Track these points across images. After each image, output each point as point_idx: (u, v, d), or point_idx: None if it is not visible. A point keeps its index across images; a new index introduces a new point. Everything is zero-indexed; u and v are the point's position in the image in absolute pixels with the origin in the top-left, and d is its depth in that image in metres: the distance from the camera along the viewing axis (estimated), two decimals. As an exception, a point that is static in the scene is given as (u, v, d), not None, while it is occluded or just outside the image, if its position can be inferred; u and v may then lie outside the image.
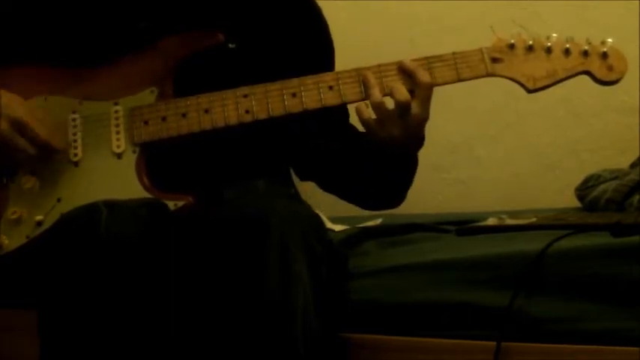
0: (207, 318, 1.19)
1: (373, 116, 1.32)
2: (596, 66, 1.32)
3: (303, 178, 1.59)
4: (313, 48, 1.51)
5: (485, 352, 1.24)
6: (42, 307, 1.19)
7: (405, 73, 1.32)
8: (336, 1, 2.28)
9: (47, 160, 1.36)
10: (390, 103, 1.32)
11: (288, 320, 1.15)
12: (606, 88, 1.34)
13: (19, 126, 1.31)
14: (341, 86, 1.33)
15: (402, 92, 1.30)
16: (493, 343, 1.24)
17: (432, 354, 1.31)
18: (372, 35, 2.44)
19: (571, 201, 2.00)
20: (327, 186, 1.53)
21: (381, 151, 1.35)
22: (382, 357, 1.34)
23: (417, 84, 1.30)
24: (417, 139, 1.37)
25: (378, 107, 1.30)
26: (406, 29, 2.43)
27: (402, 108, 1.30)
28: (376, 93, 1.30)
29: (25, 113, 1.31)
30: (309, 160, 1.52)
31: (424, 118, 1.32)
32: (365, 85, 1.32)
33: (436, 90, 1.35)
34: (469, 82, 1.35)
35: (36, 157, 1.34)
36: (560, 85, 1.35)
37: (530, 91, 1.33)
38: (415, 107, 1.30)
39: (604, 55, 1.31)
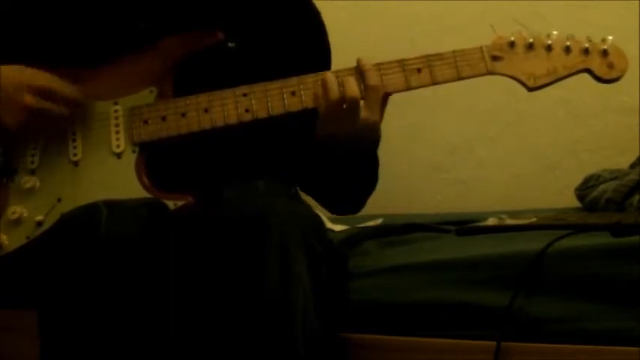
0: (207, 318, 1.19)
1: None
2: (596, 64, 1.31)
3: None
4: (312, 47, 1.51)
5: (485, 352, 1.24)
6: (42, 307, 1.19)
7: (359, 73, 1.31)
8: (336, 1, 2.28)
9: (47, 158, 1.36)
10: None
11: (288, 320, 1.15)
12: (606, 88, 1.34)
13: (45, 94, 1.32)
14: None
15: (352, 88, 1.29)
16: (493, 343, 1.24)
17: (432, 354, 1.31)
18: (372, 35, 2.45)
19: (571, 201, 2.00)
20: (301, 186, 1.53)
21: (332, 150, 1.35)
22: (382, 357, 1.34)
23: (365, 86, 1.30)
24: (368, 141, 1.36)
25: (336, 103, 1.29)
26: (406, 29, 2.43)
27: (350, 103, 1.29)
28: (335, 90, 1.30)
29: (45, 79, 1.32)
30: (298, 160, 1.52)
31: (374, 121, 1.31)
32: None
33: (436, 90, 1.35)
34: (469, 82, 1.35)
35: (70, 117, 1.35)
36: (560, 85, 1.34)
37: (530, 89, 1.33)
38: (363, 109, 1.30)
39: (604, 53, 1.31)
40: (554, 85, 1.34)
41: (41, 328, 1.18)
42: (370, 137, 1.35)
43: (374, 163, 1.42)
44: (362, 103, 1.30)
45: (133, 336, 1.14)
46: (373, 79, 1.30)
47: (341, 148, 1.34)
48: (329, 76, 1.31)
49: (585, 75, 1.33)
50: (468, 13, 2.34)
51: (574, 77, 1.34)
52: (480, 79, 1.35)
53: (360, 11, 2.49)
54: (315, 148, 1.38)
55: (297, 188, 1.56)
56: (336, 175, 1.40)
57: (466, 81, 1.34)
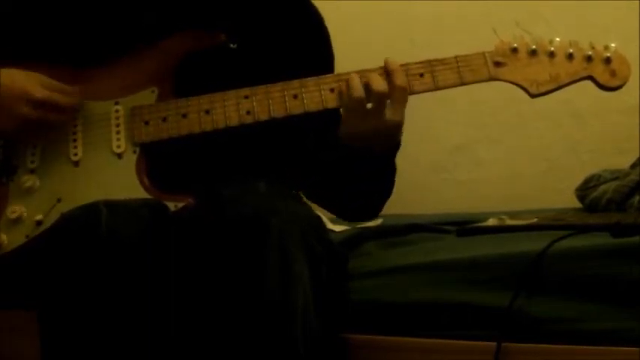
0: (208, 318, 1.19)
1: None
2: (599, 71, 1.31)
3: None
4: (313, 50, 1.51)
5: (486, 353, 1.24)
6: (42, 307, 1.19)
7: (386, 72, 1.31)
8: (336, 1, 2.28)
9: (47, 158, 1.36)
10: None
11: (288, 320, 1.15)
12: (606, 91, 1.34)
13: (43, 105, 1.32)
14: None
15: (379, 82, 1.29)
16: (493, 344, 1.24)
17: (432, 354, 1.31)
18: (372, 35, 2.45)
19: (571, 201, 2.00)
20: (308, 195, 1.52)
21: (354, 154, 1.34)
22: (382, 357, 1.34)
23: (393, 86, 1.30)
24: (391, 143, 1.36)
25: (360, 101, 1.30)
26: (406, 29, 2.43)
27: (378, 100, 1.29)
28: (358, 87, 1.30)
29: (43, 90, 1.32)
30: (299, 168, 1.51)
31: (398, 122, 1.31)
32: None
33: (438, 91, 1.35)
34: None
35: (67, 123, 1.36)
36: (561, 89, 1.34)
37: (533, 96, 1.33)
38: (389, 109, 1.30)
39: (607, 60, 1.31)
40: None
41: (41, 328, 1.18)
42: (392, 139, 1.35)
43: (392, 168, 1.42)
44: (387, 103, 1.30)
45: (133, 336, 1.14)
46: (401, 79, 1.30)
47: (363, 147, 1.33)
48: (352, 74, 1.31)
49: (588, 80, 1.33)
50: (469, 13, 2.34)
51: (575, 79, 1.34)
52: (481, 80, 1.35)
53: (360, 11, 2.49)
54: (335, 149, 1.37)
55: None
56: (356, 175, 1.39)
57: (467, 82, 1.34)
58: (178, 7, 1.44)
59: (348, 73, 1.32)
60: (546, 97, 1.36)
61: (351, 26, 2.41)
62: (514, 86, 1.34)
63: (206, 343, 1.19)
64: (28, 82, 1.33)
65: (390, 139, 1.34)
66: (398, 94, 1.30)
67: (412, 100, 1.35)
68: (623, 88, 1.34)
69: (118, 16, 1.43)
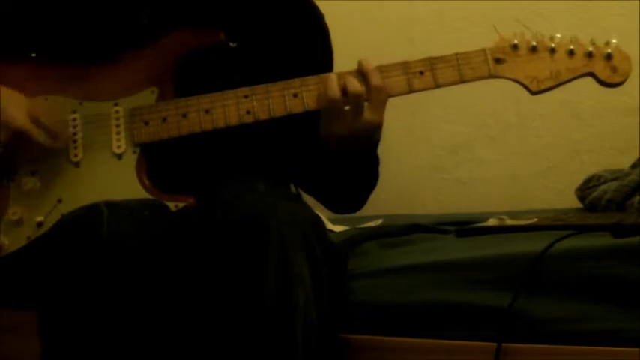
0: (208, 319, 1.19)
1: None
2: (599, 67, 1.31)
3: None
4: (313, 49, 1.51)
5: (486, 353, 1.24)
6: (42, 307, 1.19)
7: (361, 74, 1.31)
8: (337, 1, 2.28)
9: (47, 160, 1.36)
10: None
11: (288, 320, 1.15)
12: (606, 89, 1.34)
13: (19, 135, 1.31)
14: None
15: (355, 85, 1.29)
16: (493, 344, 1.24)
17: (432, 354, 1.31)
18: (372, 35, 2.45)
19: (571, 202, 2.01)
20: (301, 186, 1.53)
21: (332, 150, 1.35)
22: (382, 357, 1.34)
23: (369, 87, 1.30)
24: (370, 142, 1.36)
25: (335, 101, 1.30)
26: (406, 29, 2.43)
27: (355, 102, 1.29)
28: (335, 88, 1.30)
29: (25, 122, 1.32)
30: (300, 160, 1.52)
31: (377, 124, 1.31)
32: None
33: (437, 90, 1.35)
34: (470, 82, 1.35)
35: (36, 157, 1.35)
36: (561, 86, 1.34)
37: (533, 93, 1.33)
38: (367, 111, 1.29)
39: (608, 57, 1.31)
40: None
41: (41, 328, 1.19)
42: (372, 138, 1.35)
43: (374, 162, 1.42)
44: (366, 104, 1.30)
45: (133, 336, 1.14)
46: (376, 79, 1.30)
47: (342, 147, 1.33)
48: (330, 75, 1.31)
49: (589, 76, 1.33)
50: (468, 13, 2.34)
51: (575, 78, 1.34)
52: (481, 79, 1.35)
53: (360, 11, 2.49)
54: (317, 147, 1.37)
55: (298, 188, 1.56)
56: (337, 174, 1.40)
57: (467, 81, 1.34)
58: (177, 6, 1.44)
59: (327, 74, 1.32)
60: (546, 97, 1.36)
61: (352, 26, 2.41)
62: (514, 85, 1.34)
63: (206, 344, 1.19)
64: (18, 111, 1.31)
65: (369, 140, 1.34)
66: (375, 95, 1.29)
67: (411, 100, 1.36)
68: (623, 89, 1.34)
69: (117, 15, 1.43)
